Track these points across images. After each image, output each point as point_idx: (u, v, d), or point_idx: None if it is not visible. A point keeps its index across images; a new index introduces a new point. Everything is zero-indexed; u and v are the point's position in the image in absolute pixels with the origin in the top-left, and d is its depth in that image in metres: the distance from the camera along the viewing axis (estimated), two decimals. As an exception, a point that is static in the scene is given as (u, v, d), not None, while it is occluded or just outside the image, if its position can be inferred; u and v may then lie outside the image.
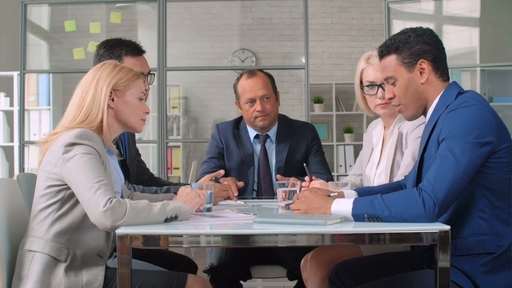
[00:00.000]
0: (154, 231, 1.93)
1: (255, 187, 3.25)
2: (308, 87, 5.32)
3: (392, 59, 2.24)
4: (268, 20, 7.89)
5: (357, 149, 7.64)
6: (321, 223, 1.95)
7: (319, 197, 2.16)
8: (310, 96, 5.61)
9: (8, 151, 6.92)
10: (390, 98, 2.30)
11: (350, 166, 7.61)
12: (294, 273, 3.03)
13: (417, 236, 1.92)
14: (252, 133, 3.28)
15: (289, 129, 3.30)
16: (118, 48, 2.84)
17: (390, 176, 2.70)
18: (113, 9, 6.12)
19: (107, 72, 2.26)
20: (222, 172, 3.03)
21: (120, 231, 1.91)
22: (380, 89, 2.68)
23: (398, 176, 2.63)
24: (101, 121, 2.22)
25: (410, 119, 2.32)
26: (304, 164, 2.84)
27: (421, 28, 2.25)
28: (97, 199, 2.01)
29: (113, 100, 2.26)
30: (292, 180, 2.57)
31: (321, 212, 2.10)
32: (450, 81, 2.28)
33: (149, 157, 6.96)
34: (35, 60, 6.55)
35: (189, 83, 7.89)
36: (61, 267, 2.11)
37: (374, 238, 1.91)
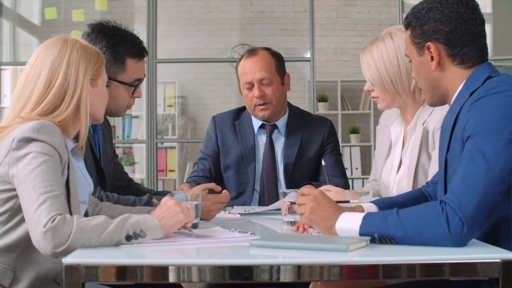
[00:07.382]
0: (109, 261, 1.42)
1: (257, 187, 2.79)
2: (314, 83, 4.96)
3: (407, 35, 1.87)
4: (270, 13, 7.58)
5: (364, 151, 7.42)
6: (341, 248, 1.45)
7: (329, 204, 1.71)
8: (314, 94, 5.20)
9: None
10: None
11: (357, 168, 7.32)
12: (300, 300, 2.57)
13: (473, 267, 1.43)
14: (256, 122, 2.85)
15: (301, 120, 2.87)
16: (122, 47, 2.36)
17: (414, 182, 2.27)
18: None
19: (79, 55, 1.82)
20: (219, 188, 2.40)
21: (68, 260, 1.40)
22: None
23: None
24: (71, 115, 1.79)
25: (430, 105, 1.97)
26: (323, 163, 2.35)
27: None
28: (38, 217, 1.56)
29: None
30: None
31: (324, 226, 1.67)
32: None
33: (143, 158, 6.64)
34: (27, 56, 6.23)
35: (186, 81, 7.56)
36: None
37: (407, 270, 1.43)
